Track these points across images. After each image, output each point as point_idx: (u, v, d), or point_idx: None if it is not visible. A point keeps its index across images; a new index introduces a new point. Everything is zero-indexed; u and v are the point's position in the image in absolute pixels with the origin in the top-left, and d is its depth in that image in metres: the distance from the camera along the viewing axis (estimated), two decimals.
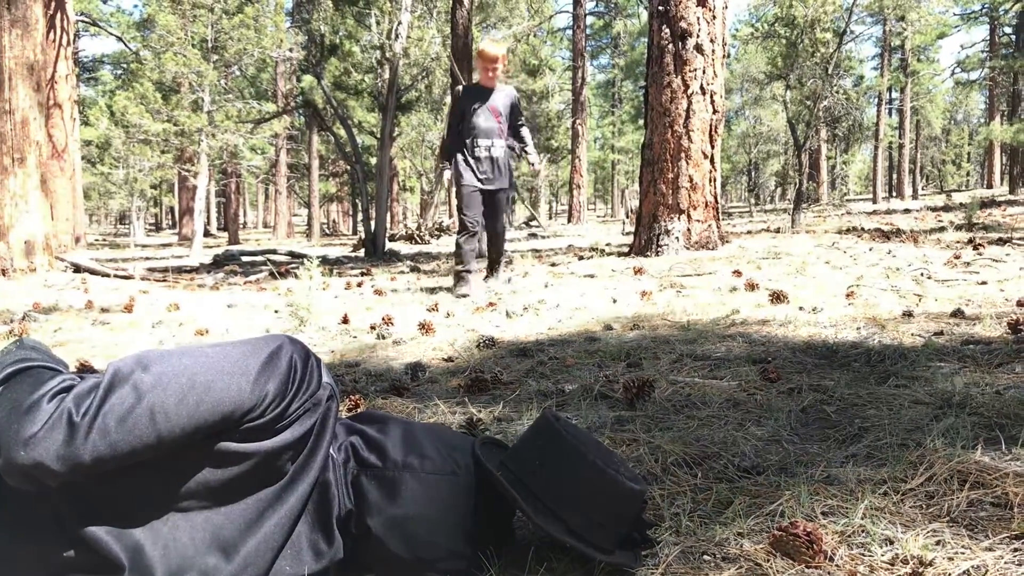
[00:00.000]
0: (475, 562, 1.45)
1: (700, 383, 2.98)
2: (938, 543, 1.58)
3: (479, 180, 6.46)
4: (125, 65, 38.74)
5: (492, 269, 6.93)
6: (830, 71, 14.60)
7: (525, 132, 6.81)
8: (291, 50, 21.90)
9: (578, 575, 1.46)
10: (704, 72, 8.09)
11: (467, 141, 6.50)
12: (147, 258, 19.14)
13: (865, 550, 1.57)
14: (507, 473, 1.48)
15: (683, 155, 8.14)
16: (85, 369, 3.95)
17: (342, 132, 16.61)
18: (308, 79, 19.82)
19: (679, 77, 8.10)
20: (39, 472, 1.15)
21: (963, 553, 1.53)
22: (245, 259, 13.73)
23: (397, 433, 1.52)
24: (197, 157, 22.10)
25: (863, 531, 1.63)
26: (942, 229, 11.03)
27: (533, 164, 6.81)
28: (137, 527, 1.25)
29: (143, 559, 1.23)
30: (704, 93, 8.11)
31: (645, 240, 8.44)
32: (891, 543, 1.59)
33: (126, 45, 25.71)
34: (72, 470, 1.15)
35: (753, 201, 36.12)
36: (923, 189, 48.39)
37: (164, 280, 9.92)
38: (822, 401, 2.64)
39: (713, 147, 8.23)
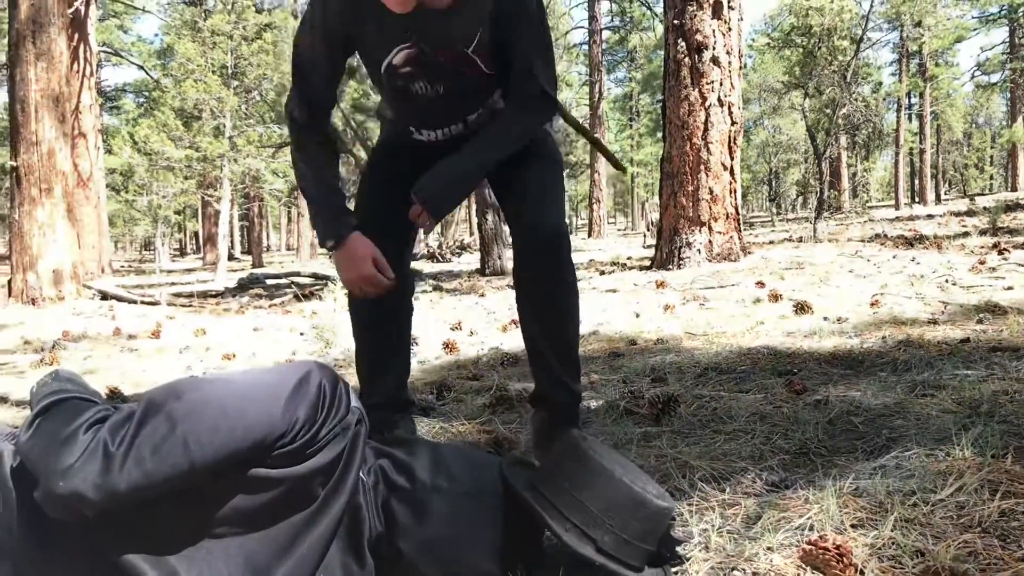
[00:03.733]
0: None
1: (726, 396, 2.98)
2: (970, 554, 1.57)
3: None
4: (147, 93, 39.30)
5: None
6: (848, 79, 14.57)
7: None
8: None
9: None
10: (721, 84, 8.11)
11: None
12: (172, 283, 19.34)
13: (896, 562, 1.57)
14: (535, 493, 1.49)
15: (702, 167, 8.14)
16: (115, 396, 4.01)
17: (362, 154, 16.74)
18: None
19: (696, 90, 8.12)
20: (77, 502, 1.17)
21: (996, 564, 1.52)
22: (270, 282, 13.84)
23: (425, 455, 1.54)
24: (219, 182, 22.34)
25: (893, 543, 1.63)
26: (966, 234, 10.95)
27: None
28: (173, 554, 1.28)
29: None
30: (722, 105, 8.12)
31: (667, 253, 8.44)
32: (922, 555, 1.58)
33: (148, 73, 26.10)
34: (109, 499, 1.18)
35: (775, 210, 35.98)
36: (946, 194, 47.98)
37: (190, 305, 10.02)
38: (849, 412, 2.63)
39: (732, 158, 8.24)
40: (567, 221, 2.31)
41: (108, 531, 1.25)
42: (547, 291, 2.24)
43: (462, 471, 1.51)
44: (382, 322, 2.43)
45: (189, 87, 21.30)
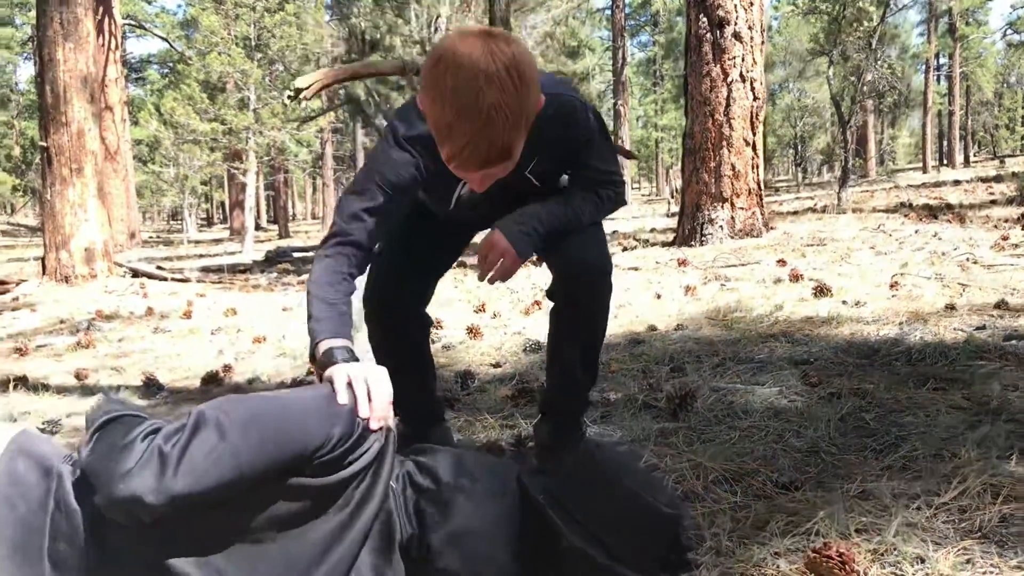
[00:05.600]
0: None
1: (742, 389, 3.06)
2: (968, 561, 1.66)
3: None
4: (171, 64, 39.46)
5: None
6: (873, 45, 14.40)
7: None
8: (332, 45, 22.12)
9: None
10: (743, 60, 8.09)
11: None
12: (201, 255, 19.58)
13: (896, 569, 1.65)
14: (550, 499, 1.58)
15: (724, 143, 8.15)
16: (151, 383, 4.15)
17: (382, 122, 16.80)
18: None
19: (718, 66, 8.12)
20: (134, 505, 1.29)
21: (991, 572, 1.61)
22: (297, 255, 14.00)
23: (447, 460, 1.65)
24: (245, 154, 22.50)
25: (895, 549, 1.72)
26: (993, 202, 10.88)
27: None
28: (220, 559, 1.40)
29: None
30: (744, 81, 8.11)
31: (689, 230, 8.48)
32: (922, 561, 1.67)
33: (172, 46, 26.20)
34: (165, 502, 1.29)
35: (801, 175, 35.67)
36: (975, 156, 47.26)
37: (219, 282, 10.19)
38: (861, 408, 2.71)
39: (755, 134, 8.24)
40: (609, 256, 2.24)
41: (161, 540, 1.37)
42: (585, 319, 2.21)
43: (483, 473, 1.61)
44: (407, 361, 2.38)
45: (213, 60, 21.41)
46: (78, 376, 4.51)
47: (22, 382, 4.27)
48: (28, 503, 1.41)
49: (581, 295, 2.17)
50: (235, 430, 1.35)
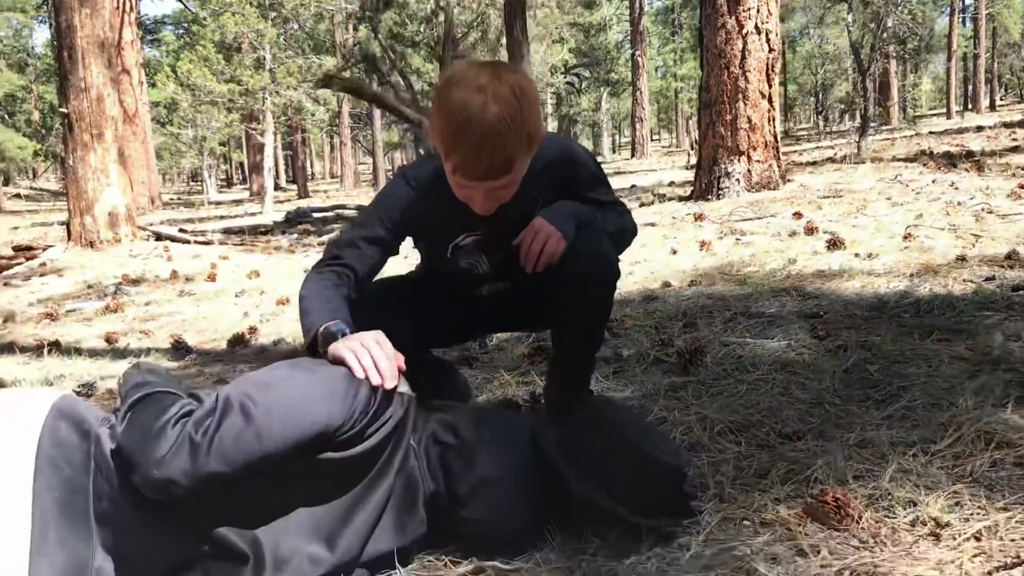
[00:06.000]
0: (538, 535, 1.69)
1: (751, 344, 3.15)
2: (957, 504, 1.75)
3: None
4: (185, 24, 39.36)
5: None
6: None
7: None
8: (346, 1, 22.02)
9: (629, 545, 1.67)
10: (758, 11, 8.04)
11: None
12: (222, 217, 19.75)
13: (889, 513, 1.74)
14: (559, 451, 1.69)
15: (740, 96, 8.14)
16: (179, 345, 4.28)
17: (399, 79, 16.78)
18: (364, 31, 19.94)
19: (733, 18, 8.07)
20: (169, 486, 1.42)
21: (978, 514, 1.69)
22: (316, 216, 14.11)
23: (467, 415, 1.76)
24: (262, 115, 22.55)
25: (889, 495, 1.81)
26: (1015, 149, 10.79)
27: None
28: (251, 524, 1.52)
29: (260, 551, 1.49)
30: (759, 33, 8.06)
31: (706, 183, 8.50)
32: (914, 505, 1.76)
33: (185, 6, 26.12)
34: (197, 484, 1.42)
35: (822, 124, 35.26)
36: (1001, 100, 46.49)
37: (241, 244, 10.34)
38: (866, 360, 2.79)
39: (771, 86, 8.21)
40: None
41: (196, 507, 1.49)
42: (590, 309, 2.13)
43: (500, 426, 1.73)
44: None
45: (227, 20, 21.38)
46: (108, 340, 4.66)
47: (55, 347, 4.42)
48: (72, 465, 1.52)
49: (588, 285, 2.06)
50: (260, 414, 1.46)
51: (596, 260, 2.03)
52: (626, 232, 2.23)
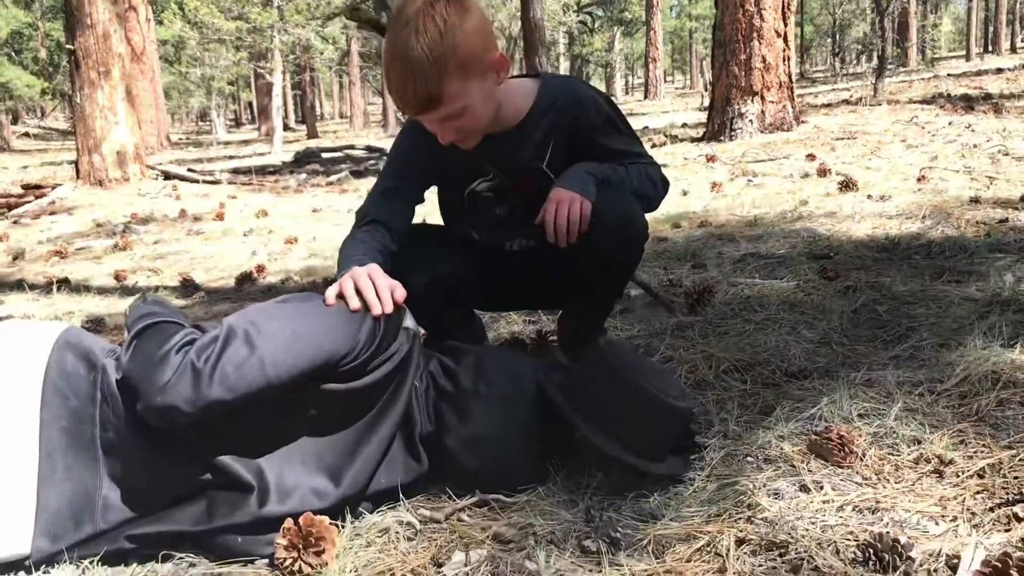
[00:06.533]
0: (540, 473, 1.69)
1: (760, 284, 3.13)
2: (961, 442, 1.74)
3: None
4: None
5: None
6: None
7: None
8: None
9: (633, 480, 1.67)
10: None
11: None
12: (230, 156, 19.65)
13: (893, 450, 1.74)
14: (568, 397, 1.68)
15: (755, 35, 7.99)
16: (188, 283, 4.29)
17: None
18: None
19: None
20: (172, 413, 1.41)
21: (982, 452, 1.69)
22: (325, 156, 14.04)
23: (469, 362, 1.74)
24: (271, 53, 22.28)
25: (894, 432, 1.80)
26: None
27: None
28: (256, 455, 1.52)
29: (265, 481, 1.50)
30: None
31: (719, 124, 8.39)
32: (918, 443, 1.76)
33: None
34: (199, 411, 1.41)
35: (839, 66, 34.69)
36: (1022, 41, 45.53)
37: (250, 183, 10.30)
38: (875, 300, 2.77)
39: (786, 25, 8.05)
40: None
41: (202, 436, 1.49)
42: (613, 272, 2.10)
43: (500, 378, 1.71)
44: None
45: None
46: (117, 277, 4.67)
47: (65, 284, 4.44)
48: (78, 396, 1.52)
49: (614, 250, 1.99)
50: (264, 342, 1.45)
51: (621, 226, 1.94)
52: (654, 186, 2.09)
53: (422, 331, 1.92)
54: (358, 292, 1.56)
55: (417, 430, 1.66)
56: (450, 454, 1.65)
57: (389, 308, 1.56)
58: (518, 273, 2.26)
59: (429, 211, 2.24)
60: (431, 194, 2.19)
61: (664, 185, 2.13)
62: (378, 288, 1.57)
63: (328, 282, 4.02)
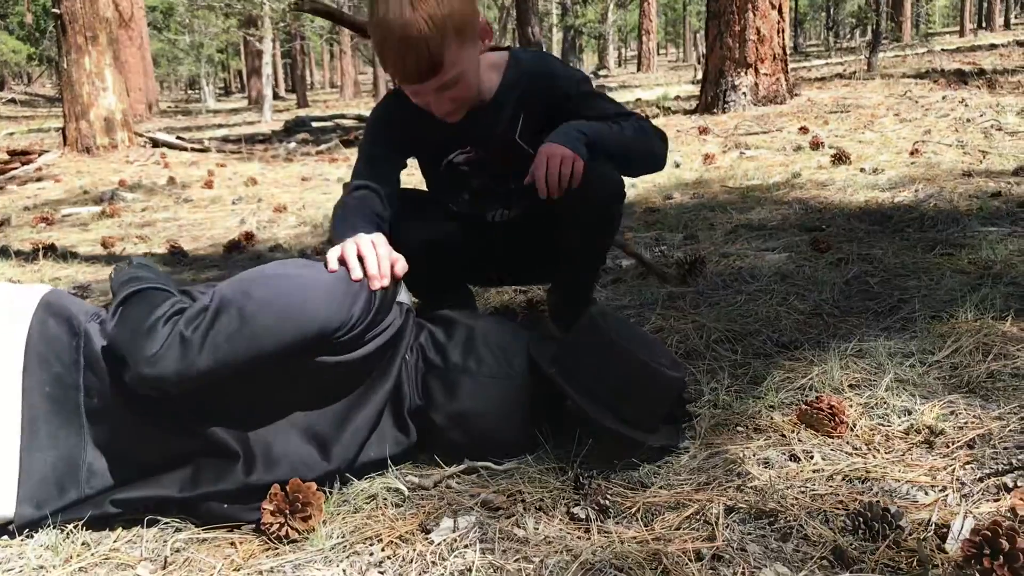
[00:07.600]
0: (529, 443, 1.68)
1: (751, 255, 3.12)
2: (951, 413, 1.74)
3: None
4: None
5: None
6: None
7: None
8: None
9: (628, 450, 1.66)
10: None
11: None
12: (219, 125, 19.47)
13: (884, 420, 1.74)
14: (560, 369, 1.66)
15: (750, 6, 7.92)
16: (176, 251, 4.26)
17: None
18: None
19: None
20: (161, 383, 1.39)
21: (973, 423, 1.69)
22: (315, 125, 13.92)
23: (460, 336, 1.71)
24: (261, 20, 22.03)
25: (884, 403, 1.80)
26: None
27: None
28: (246, 425, 1.51)
29: (251, 450, 1.48)
30: None
31: (712, 96, 8.34)
32: (909, 413, 1.75)
33: None
34: (189, 382, 1.39)
35: (832, 40, 34.50)
36: (1016, 18, 45.39)
37: (239, 152, 10.21)
38: (867, 272, 2.76)
39: None
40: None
41: (189, 405, 1.47)
42: (593, 238, 2.09)
43: (490, 354, 1.68)
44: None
45: None
46: (104, 244, 4.63)
47: (51, 250, 4.39)
48: (62, 361, 1.50)
49: (593, 215, 1.99)
50: (256, 313, 1.42)
51: (601, 179, 1.92)
52: (650, 138, 2.03)
53: (415, 300, 1.91)
54: (360, 261, 1.53)
55: (406, 404, 1.64)
56: (438, 429, 1.64)
57: (387, 281, 1.54)
58: (500, 248, 2.28)
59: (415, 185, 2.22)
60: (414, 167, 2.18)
61: (662, 138, 2.07)
62: (379, 258, 1.55)
63: (319, 251, 4.00)
